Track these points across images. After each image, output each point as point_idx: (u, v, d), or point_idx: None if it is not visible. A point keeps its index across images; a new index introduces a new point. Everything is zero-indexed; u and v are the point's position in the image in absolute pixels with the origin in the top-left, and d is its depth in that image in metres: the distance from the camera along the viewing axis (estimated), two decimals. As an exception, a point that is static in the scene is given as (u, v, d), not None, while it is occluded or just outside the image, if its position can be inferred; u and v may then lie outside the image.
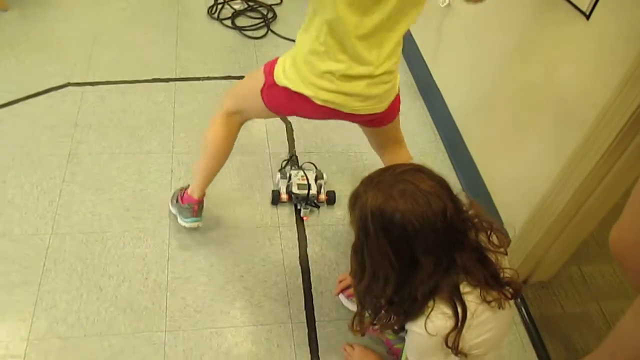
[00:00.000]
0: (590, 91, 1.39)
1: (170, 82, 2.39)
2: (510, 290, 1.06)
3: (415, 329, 1.04)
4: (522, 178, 1.75)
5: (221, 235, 1.81)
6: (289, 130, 2.23)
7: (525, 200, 1.67)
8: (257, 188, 1.98)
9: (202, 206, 1.75)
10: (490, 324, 1.06)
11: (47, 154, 1.99)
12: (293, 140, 2.19)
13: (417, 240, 0.96)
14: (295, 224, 1.88)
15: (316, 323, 1.62)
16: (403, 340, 1.51)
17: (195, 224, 1.75)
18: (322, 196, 1.95)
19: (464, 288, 1.01)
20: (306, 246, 1.82)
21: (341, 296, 1.65)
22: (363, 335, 1.21)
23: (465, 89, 2.12)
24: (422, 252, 0.98)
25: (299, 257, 1.79)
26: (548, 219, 1.56)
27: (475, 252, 1.03)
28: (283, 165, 2.05)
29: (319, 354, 1.56)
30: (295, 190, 1.90)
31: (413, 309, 1.03)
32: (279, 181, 1.97)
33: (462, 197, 1.05)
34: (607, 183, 1.44)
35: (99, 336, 1.51)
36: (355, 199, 1.03)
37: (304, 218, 1.90)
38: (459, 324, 0.99)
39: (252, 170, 2.05)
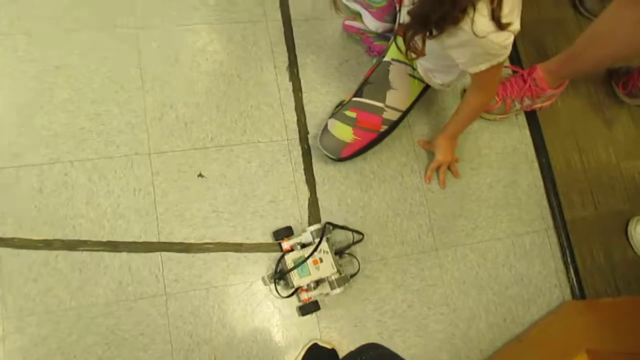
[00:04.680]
0: None
1: None
2: None
3: (463, 26, 1.02)
4: None
5: None
6: None
7: None
8: None
9: None
10: None
11: None
12: None
13: None
14: None
15: (292, 21, 1.58)
16: (384, 38, 1.52)
17: None
18: None
19: None
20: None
21: None
22: (424, 54, 1.13)
23: None
24: None
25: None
26: None
27: None
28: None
29: (296, 52, 1.56)
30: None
31: None
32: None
33: None
34: None
35: (68, 32, 1.45)
36: None
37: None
38: None
39: None
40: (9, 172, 1.33)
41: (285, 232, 1.40)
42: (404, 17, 1.35)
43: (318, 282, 1.35)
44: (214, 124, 1.46)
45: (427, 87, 1.47)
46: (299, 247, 1.37)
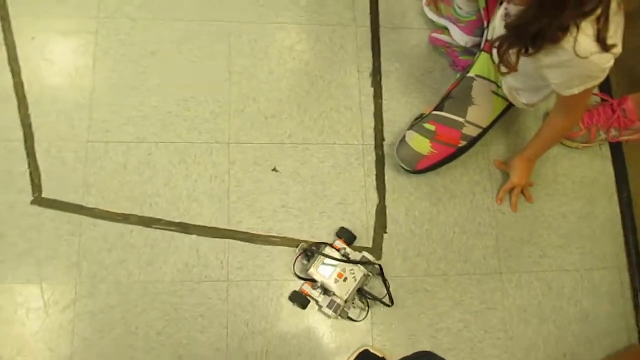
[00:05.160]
0: None
1: None
2: None
3: (564, 45, 1.00)
4: None
5: None
6: None
7: None
8: None
9: None
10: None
11: None
12: None
13: None
14: None
15: (380, 28, 1.60)
16: (469, 52, 1.51)
17: None
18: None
19: None
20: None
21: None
22: (516, 70, 1.12)
23: None
24: None
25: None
26: None
27: None
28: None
29: (381, 59, 1.57)
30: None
31: None
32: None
33: None
34: None
35: (166, 20, 1.52)
36: None
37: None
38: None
39: None
40: (99, 145, 1.41)
41: (348, 236, 1.41)
42: (491, 33, 1.34)
43: (325, 291, 1.35)
44: (294, 121, 1.49)
45: (509, 106, 1.45)
46: (344, 251, 1.37)
